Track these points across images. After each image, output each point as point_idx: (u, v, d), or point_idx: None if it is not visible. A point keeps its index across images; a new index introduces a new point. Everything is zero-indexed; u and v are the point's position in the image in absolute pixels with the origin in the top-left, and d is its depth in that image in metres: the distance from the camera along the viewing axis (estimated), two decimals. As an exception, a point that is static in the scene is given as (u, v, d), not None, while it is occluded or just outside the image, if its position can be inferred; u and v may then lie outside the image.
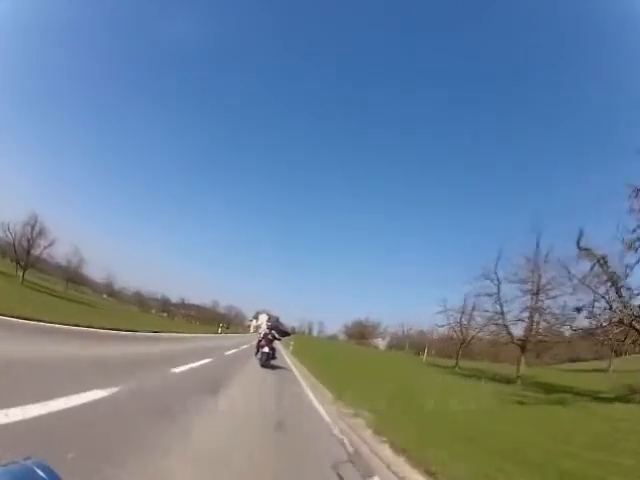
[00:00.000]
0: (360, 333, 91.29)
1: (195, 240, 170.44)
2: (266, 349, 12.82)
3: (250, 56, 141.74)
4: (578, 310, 19.88)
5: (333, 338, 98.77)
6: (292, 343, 34.54)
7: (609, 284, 16.93)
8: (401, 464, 4.28)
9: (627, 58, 75.16)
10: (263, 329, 14.70)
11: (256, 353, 13.71)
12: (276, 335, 13.62)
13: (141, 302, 75.80)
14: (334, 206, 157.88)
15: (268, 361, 12.88)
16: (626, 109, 70.98)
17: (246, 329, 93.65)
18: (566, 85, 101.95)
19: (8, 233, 42.47)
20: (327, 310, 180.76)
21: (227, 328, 79.75)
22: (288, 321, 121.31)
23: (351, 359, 32.11)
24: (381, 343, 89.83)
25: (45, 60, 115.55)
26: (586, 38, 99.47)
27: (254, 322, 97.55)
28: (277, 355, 14.29)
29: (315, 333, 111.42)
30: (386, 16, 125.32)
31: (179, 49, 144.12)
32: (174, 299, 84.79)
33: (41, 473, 0.61)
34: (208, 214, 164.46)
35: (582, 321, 20.72)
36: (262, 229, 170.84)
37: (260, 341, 13.58)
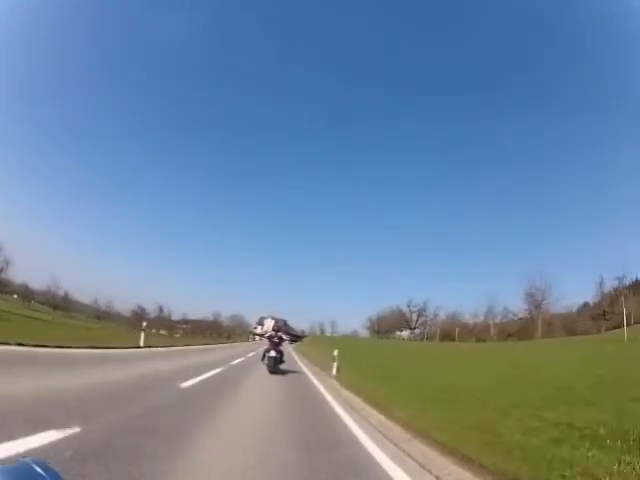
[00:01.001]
0: (404, 321, 73.15)
1: (187, 253, 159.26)
2: (273, 353, 12.07)
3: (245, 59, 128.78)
4: None
5: (353, 335, 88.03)
6: (335, 354, 14.66)
7: None
8: None
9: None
10: (269, 333, 13.30)
11: (262, 358, 12.75)
12: (283, 337, 12.95)
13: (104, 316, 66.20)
14: (333, 202, 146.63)
15: (276, 366, 12.06)
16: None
17: (250, 338, 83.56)
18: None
19: None
20: (338, 309, 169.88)
21: (228, 338, 69.70)
22: (297, 324, 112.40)
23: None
24: (405, 335, 77.56)
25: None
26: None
27: (258, 329, 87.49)
28: (285, 360, 13.04)
29: (328, 333, 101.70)
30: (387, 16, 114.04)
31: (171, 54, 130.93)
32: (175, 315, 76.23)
33: (40, 471, 0.62)
34: (203, 223, 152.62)
35: None
36: (260, 233, 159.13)
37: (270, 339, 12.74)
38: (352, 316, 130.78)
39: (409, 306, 74.56)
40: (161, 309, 57.45)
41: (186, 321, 63.57)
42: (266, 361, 12.17)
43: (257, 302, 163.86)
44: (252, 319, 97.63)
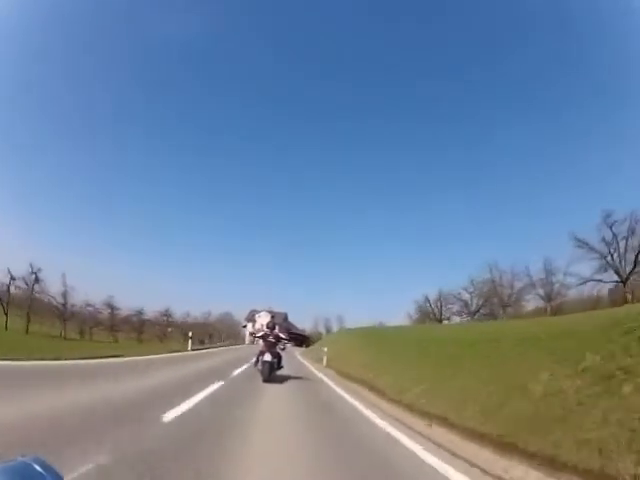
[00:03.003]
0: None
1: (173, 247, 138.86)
2: (268, 357, 9.73)
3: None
4: None
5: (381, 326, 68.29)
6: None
7: None
8: None
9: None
10: (262, 332, 10.83)
11: (255, 363, 10.53)
12: (281, 335, 10.88)
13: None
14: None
15: (273, 373, 9.94)
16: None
17: (239, 340, 64.70)
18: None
19: None
20: (343, 303, 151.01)
21: (207, 340, 50.87)
22: (298, 323, 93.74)
23: None
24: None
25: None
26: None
27: (249, 326, 69.02)
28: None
29: (335, 329, 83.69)
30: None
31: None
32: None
33: (39, 469, 0.62)
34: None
35: None
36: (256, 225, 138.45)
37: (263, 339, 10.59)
38: (359, 309, 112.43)
39: (610, 225, 29.58)
40: (36, 279, 27.51)
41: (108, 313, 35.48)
42: (260, 366, 9.99)
43: (252, 301, 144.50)
44: (242, 317, 79.61)
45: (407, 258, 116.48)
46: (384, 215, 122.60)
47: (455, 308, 41.74)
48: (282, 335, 11.00)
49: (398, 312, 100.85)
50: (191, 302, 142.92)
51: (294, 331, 71.95)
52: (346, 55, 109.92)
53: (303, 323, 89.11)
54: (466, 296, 40.23)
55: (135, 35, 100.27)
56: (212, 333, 56.82)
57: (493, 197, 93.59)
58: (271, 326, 10.73)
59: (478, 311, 38.64)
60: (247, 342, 60.21)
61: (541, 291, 33.83)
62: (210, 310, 64.32)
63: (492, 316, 36.26)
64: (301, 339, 71.66)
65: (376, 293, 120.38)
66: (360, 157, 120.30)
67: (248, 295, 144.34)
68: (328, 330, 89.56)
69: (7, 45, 71.88)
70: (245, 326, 71.69)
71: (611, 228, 29.02)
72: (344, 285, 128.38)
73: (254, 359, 10.92)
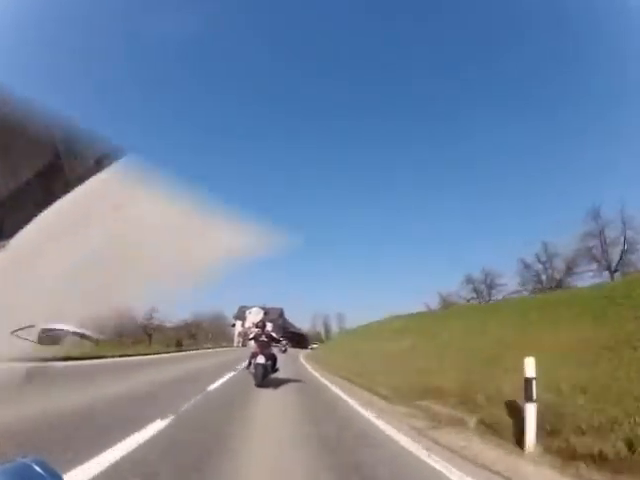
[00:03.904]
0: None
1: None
2: (261, 359, 8.48)
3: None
4: None
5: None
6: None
7: None
8: None
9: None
10: (253, 332, 9.71)
11: (248, 366, 9.20)
12: (274, 335, 9.82)
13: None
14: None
15: (267, 376, 8.61)
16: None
17: (229, 343, 56.27)
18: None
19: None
20: (343, 301, 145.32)
21: (192, 342, 42.68)
22: (295, 322, 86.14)
23: None
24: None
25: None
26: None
27: (238, 325, 60.95)
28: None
29: (335, 329, 76.58)
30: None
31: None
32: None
33: (39, 470, 0.62)
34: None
35: None
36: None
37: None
38: (360, 308, 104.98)
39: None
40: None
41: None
42: (252, 369, 8.70)
43: (248, 301, 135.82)
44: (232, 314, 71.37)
45: (407, 256, 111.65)
46: (381, 213, 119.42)
47: (511, 285, 31.51)
48: (274, 335, 9.89)
49: (401, 309, 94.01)
50: (188, 302, 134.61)
51: (291, 330, 64.57)
52: (342, 53, 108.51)
53: (301, 322, 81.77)
54: (538, 266, 29.94)
55: (131, 33, 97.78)
56: (194, 333, 48.70)
57: (490, 195, 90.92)
58: (261, 325, 9.44)
59: (558, 285, 27.51)
60: (235, 344, 52.15)
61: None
62: (199, 310, 56.23)
63: (567, 288, 25.03)
64: (298, 339, 64.35)
65: (375, 292, 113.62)
66: (356, 155, 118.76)
67: (245, 294, 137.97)
68: (327, 329, 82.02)
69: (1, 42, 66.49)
70: (234, 325, 63.46)
71: None
72: (342, 284, 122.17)
73: (245, 363, 9.84)
